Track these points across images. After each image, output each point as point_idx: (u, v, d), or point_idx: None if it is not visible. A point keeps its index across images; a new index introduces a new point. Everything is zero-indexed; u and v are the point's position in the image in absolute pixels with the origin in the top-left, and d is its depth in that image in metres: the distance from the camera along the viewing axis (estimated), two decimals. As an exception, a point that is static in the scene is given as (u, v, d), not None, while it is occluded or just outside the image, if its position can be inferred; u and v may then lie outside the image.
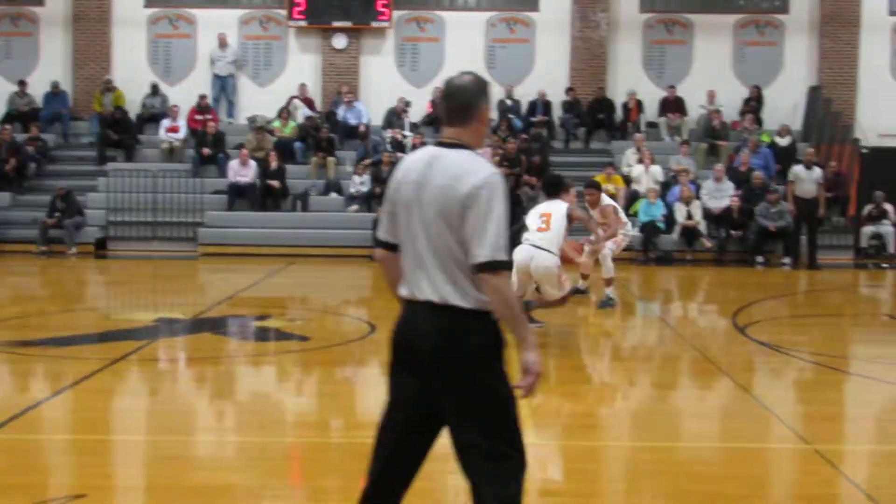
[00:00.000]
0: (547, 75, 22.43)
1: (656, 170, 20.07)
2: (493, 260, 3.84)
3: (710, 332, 12.09)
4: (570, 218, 10.60)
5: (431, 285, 3.96)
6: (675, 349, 11.13)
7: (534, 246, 10.37)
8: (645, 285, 16.56)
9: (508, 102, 22.10)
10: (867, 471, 6.69)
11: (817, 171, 18.64)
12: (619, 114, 22.36)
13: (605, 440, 7.35)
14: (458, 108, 4.08)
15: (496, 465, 3.95)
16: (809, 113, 22.47)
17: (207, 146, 21.25)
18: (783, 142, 21.28)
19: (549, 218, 10.54)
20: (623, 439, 7.40)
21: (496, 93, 22.13)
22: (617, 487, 6.22)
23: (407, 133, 21.16)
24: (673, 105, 22.24)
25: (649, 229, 18.72)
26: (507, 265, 3.89)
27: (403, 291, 4.09)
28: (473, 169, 3.93)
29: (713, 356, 10.37)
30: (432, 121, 21.51)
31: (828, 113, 21.99)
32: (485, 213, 3.84)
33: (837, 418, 8.13)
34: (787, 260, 18.45)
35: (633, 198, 19.62)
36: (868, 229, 19.97)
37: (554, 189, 10.96)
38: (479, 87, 4.14)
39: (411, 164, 4.11)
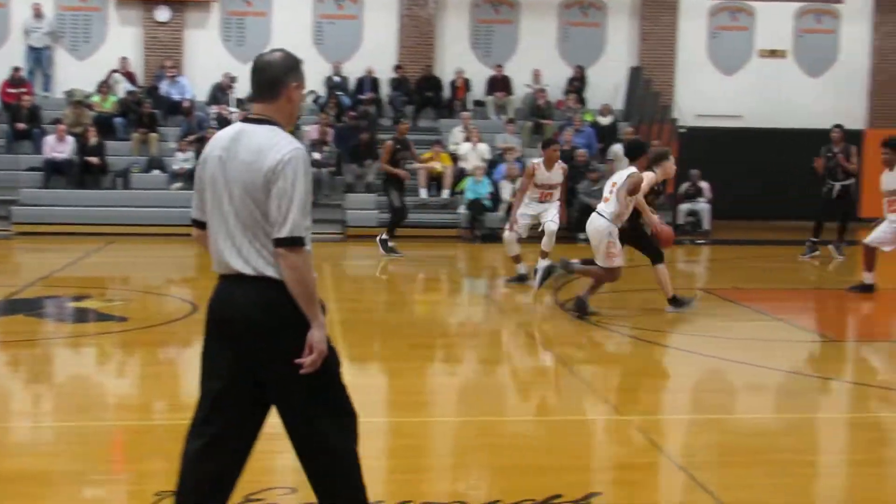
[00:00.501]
0: (375, 52, 22.37)
1: (483, 148, 20.30)
2: (292, 236, 3.87)
3: (532, 309, 12.30)
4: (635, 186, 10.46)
5: (243, 258, 3.96)
6: (500, 325, 11.30)
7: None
8: (471, 263, 16.74)
9: (336, 79, 21.96)
10: (680, 439, 6.94)
11: None
12: (447, 92, 22.50)
13: (432, 416, 7.40)
14: (266, 84, 4.08)
15: (328, 430, 4.03)
16: (630, 93, 23.09)
17: (22, 121, 20.43)
18: (605, 121, 21.81)
19: (613, 186, 10.61)
20: (449, 415, 7.47)
21: (324, 69, 21.96)
22: (444, 462, 6.28)
23: (232, 109, 20.79)
24: (500, 84, 22.50)
25: (476, 207, 18.92)
26: (305, 241, 3.91)
27: (216, 266, 4.08)
28: (277, 144, 3.94)
29: (535, 332, 10.59)
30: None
31: (648, 93, 22.63)
32: (287, 189, 3.86)
33: (653, 390, 8.40)
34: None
35: (459, 176, 19.79)
36: (685, 207, 20.69)
37: (630, 154, 10.93)
38: (289, 64, 4.13)
39: (217, 141, 4.10)
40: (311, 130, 20.08)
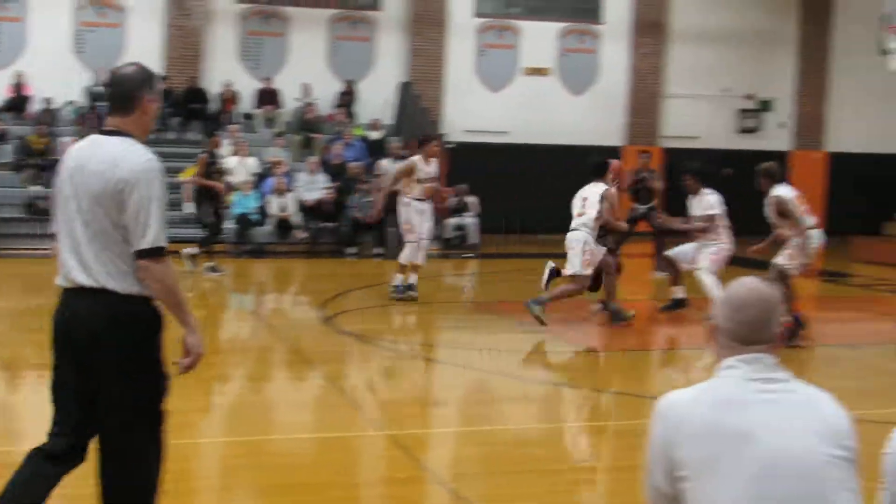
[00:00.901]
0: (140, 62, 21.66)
1: (251, 162, 20.01)
2: (154, 247, 3.92)
3: (301, 324, 12.20)
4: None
5: (87, 271, 3.95)
6: (267, 342, 11.15)
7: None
8: (238, 278, 16.46)
9: (98, 89, 21.18)
10: (443, 453, 7.01)
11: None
12: (214, 105, 22.07)
13: (197, 437, 7.20)
14: (121, 98, 4.14)
15: (144, 454, 4.14)
16: (400, 108, 23.26)
17: None
18: (375, 135, 21.90)
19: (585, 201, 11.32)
20: (215, 435, 7.30)
21: (85, 78, 21.18)
22: (211, 484, 6.15)
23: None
24: (269, 97, 22.26)
25: (244, 222, 18.63)
26: (167, 251, 3.98)
27: (59, 279, 4.07)
28: (131, 155, 3.98)
29: (303, 348, 10.49)
30: (11, 106, 20.33)
31: (417, 109, 22.87)
32: (145, 200, 3.90)
33: (418, 404, 8.45)
34: (378, 250, 18.97)
35: (227, 190, 19.41)
36: (453, 221, 20.99)
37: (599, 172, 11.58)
38: (143, 78, 4.21)
39: (72, 152, 4.14)
40: (69, 142, 19.29)
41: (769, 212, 11.05)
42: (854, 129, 24.86)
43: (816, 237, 11.04)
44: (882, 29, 16.23)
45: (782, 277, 10.96)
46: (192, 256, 15.13)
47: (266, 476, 6.12)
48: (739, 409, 2.89)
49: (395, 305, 12.87)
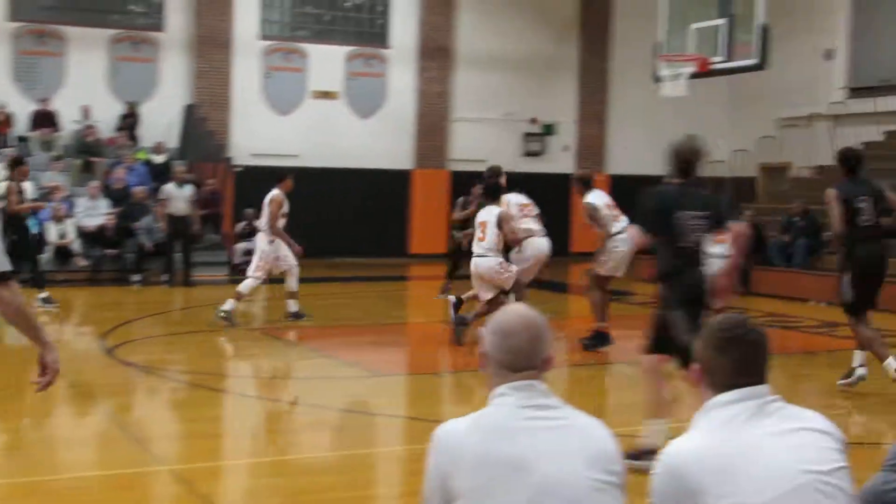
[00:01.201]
0: None
1: (27, 186, 19.14)
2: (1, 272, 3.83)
3: (82, 356, 11.73)
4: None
5: None
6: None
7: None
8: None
9: None
10: (229, 485, 6.86)
11: (189, 189, 18.81)
12: (-14, 127, 21.06)
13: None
14: None
15: None
16: (185, 131, 22.79)
17: None
18: (159, 159, 21.37)
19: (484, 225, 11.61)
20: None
21: None
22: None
23: None
24: (45, 119, 21.40)
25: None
26: (11, 274, 3.87)
27: None
28: None
29: (85, 381, 10.09)
30: None
31: (202, 132, 22.46)
32: None
33: (206, 436, 8.25)
34: (164, 277, 18.50)
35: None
36: (241, 246, 20.68)
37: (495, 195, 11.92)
38: None
39: None
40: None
41: (584, 218, 11.76)
42: (631, 152, 25.89)
43: (622, 243, 11.42)
44: (655, 57, 16.94)
45: (598, 282, 11.68)
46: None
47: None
48: (511, 437, 2.91)
49: (185, 333, 12.56)
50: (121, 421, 8.52)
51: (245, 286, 13.55)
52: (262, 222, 13.86)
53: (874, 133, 23.08)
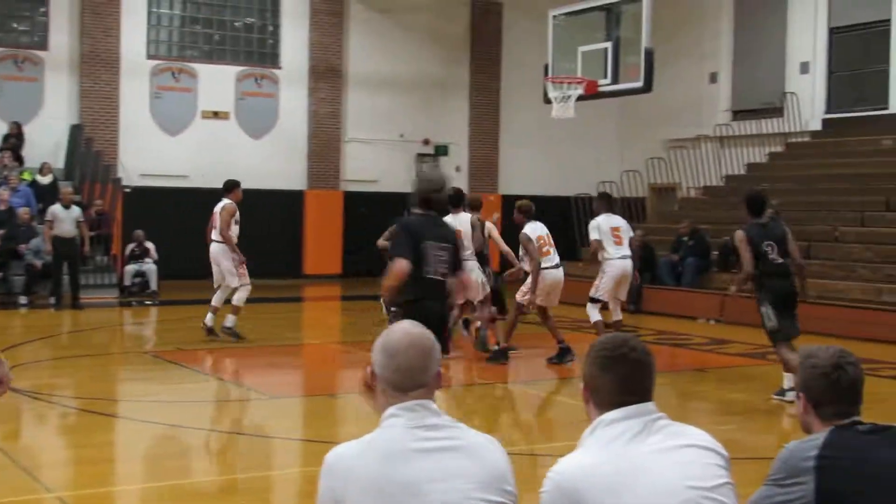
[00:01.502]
0: None
1: None
2: None
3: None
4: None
5: None
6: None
7: None
8: None
9: None
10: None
11: (76, 210, 18.38)
12: None
13: None
14: None
15: None
16: (72, 151, 22.34)
17: None
18: (45, 180, 20.89)
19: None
20: None
21: None
22: None
23: None
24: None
25: None
26: None
27: None
28: None
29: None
30: None
31: (89, 152, 22.03)
32: None
33: (95, 462, 8.06)
34: (52, 300, 18.08)
35: None
36: (131, 268, 20.34)
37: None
38: None
39: None
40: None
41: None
42: (524, 173, 26.17)
43: (550, 276, 12.11)
44: (545, 79, 17.17)
45: (518, 309, 12.11)
46: None
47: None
48: (402, 460, 2.88)
49: (68, 358, 12.27)
50: (8, 448, 8.27)
51: (239, 298, 13.83)
52: (215, 232, 13.86)
53: (758, 155, 23.74)
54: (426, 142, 26.12)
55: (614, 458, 2.95)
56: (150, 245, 20.69)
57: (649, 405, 3.07)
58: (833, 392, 3.35)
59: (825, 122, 23.22)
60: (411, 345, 3.02)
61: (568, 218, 23.86)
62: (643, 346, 3.16)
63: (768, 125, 23.58)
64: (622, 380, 3.07)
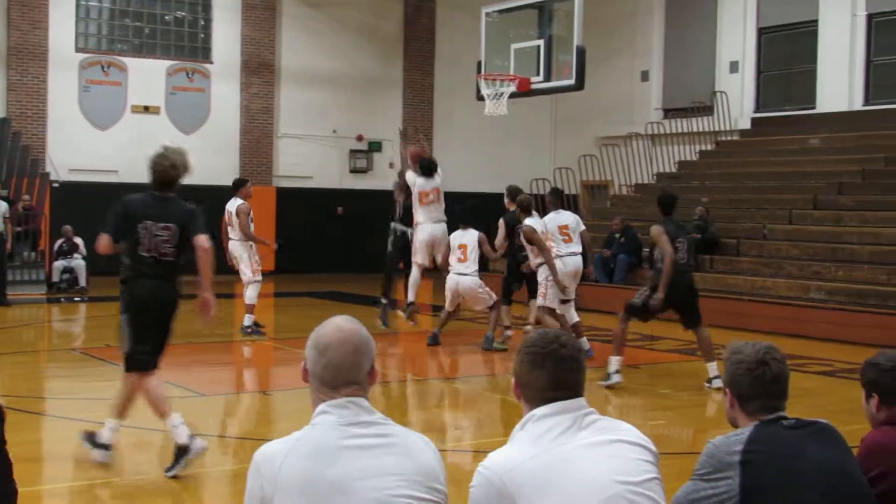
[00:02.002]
0: None
1: None
2: None
3: None
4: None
5: None
6: None
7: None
8: None
9: None
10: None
11: (2, 206, 18.02)
12: None
13: None
14: None
15: None
16: (-1, 146, 21.97)
17: None
18: (-30, 175, 20.51)
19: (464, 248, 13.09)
20: None
21: None
22: None
23: None
24: None
25: None
26: None
27: None
28: None
29: None
30: None
31: (16, 147, 21.66)
32: None
33: (23, 461, 7.91)
34: (-21, 298, 17.80)
35: None
36: (60, 263, 20.04)
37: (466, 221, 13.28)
38: None
39: None
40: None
41: (522, 239, 12.44)
42: (457, 169, 26.15)
43: (569, 264, 12.39)
44: (478, 76, 17.21)
45: (551, 314, 12.21)
46: None
47: None
48: (332, 458, 2.86)
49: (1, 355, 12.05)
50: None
51: (250, 296, 14.09)
52: (233, 231, 14.05)
53: (689, 153, 24.00)
54: (360, 138, 26.06)
55: (544, 453, 2.97)
56: (78, 241, 20.40)
57: (579, 401, 3.09)
58: (758, 387, 3.41)
59: (754, 120, 23.58)
60: (343, 341, 3.00)
61: (502, 214, 23.89)
62: (574, 342, 3.18)
63: (699, 124, 23.87)
64: (552, 376, 3.09)
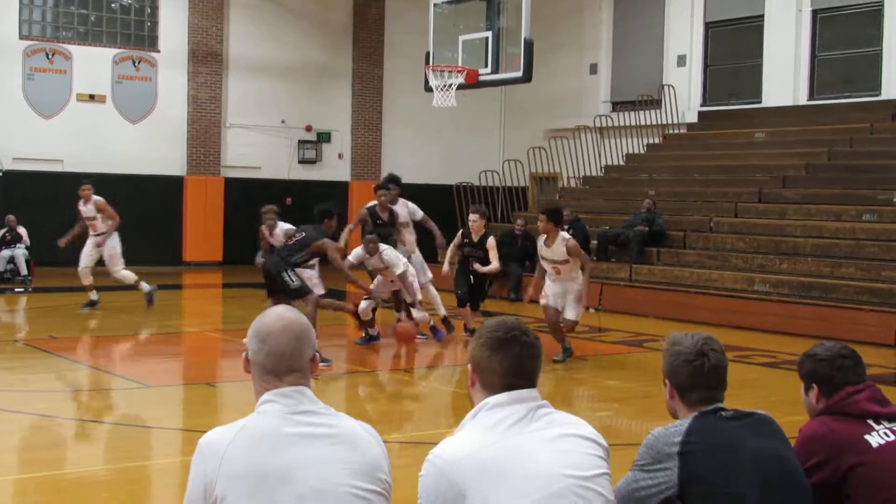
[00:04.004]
0: None
1: None
2: None
3: None
4: None
5: None
6: None
7: None
8: None
9: None
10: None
11: None
12: None
13: None
14: None
15: None
16: (-61, 133, 21.62)
17: None
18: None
19: None
20: None
21: None
22: None
23: None
24: None
25: None
26: None
27: None
28: None
29: None
30: None
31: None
32: None
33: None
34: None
35: None
36: (3, 253, 19.78)
37: None
38: None
39: None
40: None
41: (555, 254, 11.64)
42: (406, 161, 26.16)
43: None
44: (426, 67, 17.18)
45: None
46: None
47: None
48: (276, 446, 2.86)
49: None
50: None
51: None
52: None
53: (637, 146, 24.16)
54: (308, 128, 25.95)
55: (496, 443, 2.97)
56: (22, 230, 20.13)
57: (534, 391, 3.10)
58: (697, 378, 3.45)
59: (701, 114, 23.79)
60: (284, 329, 3.00)
61: (450, 206, 23.92)
62: (532, 331, 3.19)
63: (646, 117, 24.02)
64: (512, 362, 3.09)
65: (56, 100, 23.05)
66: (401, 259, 12.70)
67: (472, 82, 16.48)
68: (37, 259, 20.07)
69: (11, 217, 20.21)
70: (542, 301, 11.91)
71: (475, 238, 13.53)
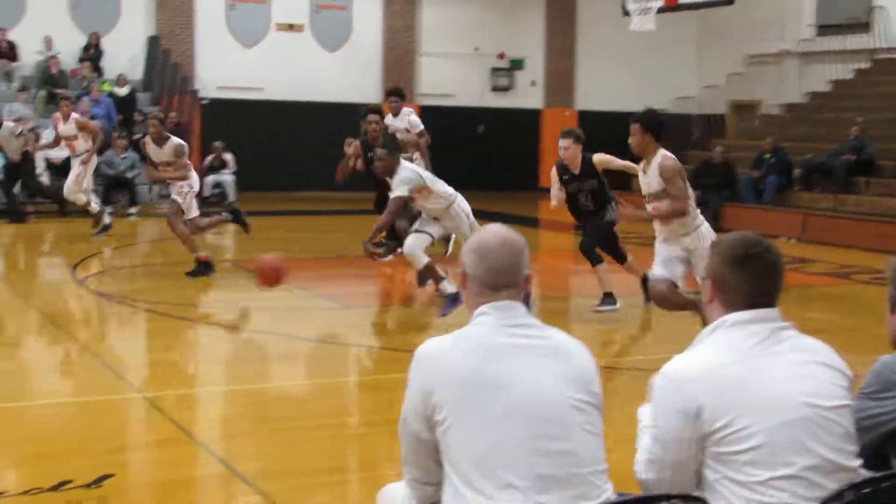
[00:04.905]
0: None
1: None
2: None
3: (53, 287, 11.64)
4: None
5: None
6: (17, 306, 10.56)
7: None
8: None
9: None
10: (202, 413, 6.87)
11: (8, 126, 17.88)
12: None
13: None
14: None
15: None
16: (149, 63, 22.47)
17: None
18: (122, 92, 21.05)
19: None
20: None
21: None
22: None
23: None
24: (5, 50, 20.98)
25: None
26: None
27: None
28: None
29: (56, 311, 10.02)
30: None
31: (167, 64, 22.15)
32: None
33: (178, 365, 8.23)
34: (133, 209, 18.40)
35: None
36: (210, 179, 20.52)
37: None
38: None
39: None
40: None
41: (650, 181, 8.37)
42: (600, 88, 25.80)
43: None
44: (625, -10, 16.85)
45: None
46: None
47: (12, 447, 5.84)
48: (493, 355, 2.89)
49: (149, 266, 12.41)
50: (92, 350, 8.46)
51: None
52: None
53: (843, 71, 23.10)
54: (501, 56, 25.84)
55: (736, 361, 2.90)
56: (228, 157, 20.84)
57: (777, 311, 3.01)
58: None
59: (914, 37, 22.53)
60: (503, 244, 3.02)
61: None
62: (775, 247, 3.08)
63: (854, 41, 22.89)
64: (757, 280, 3.00)
65: (256, 29, 23.63)
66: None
67: (672, 5, 16.07)
68: (241, 184, 20.76)
69: (218, 144, 20.92)
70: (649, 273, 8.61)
71: (575, 169, 10.46)
